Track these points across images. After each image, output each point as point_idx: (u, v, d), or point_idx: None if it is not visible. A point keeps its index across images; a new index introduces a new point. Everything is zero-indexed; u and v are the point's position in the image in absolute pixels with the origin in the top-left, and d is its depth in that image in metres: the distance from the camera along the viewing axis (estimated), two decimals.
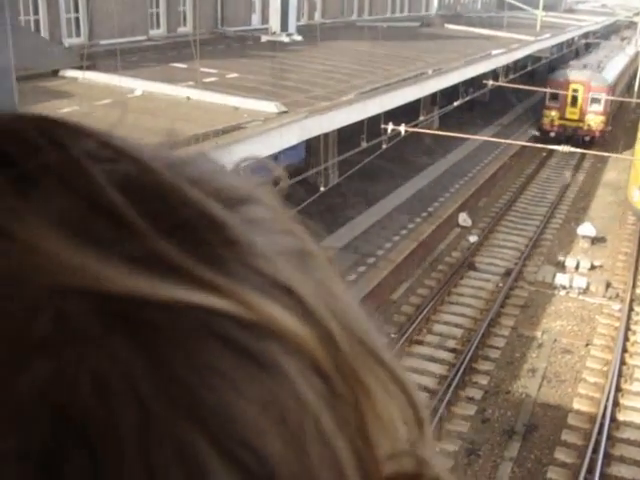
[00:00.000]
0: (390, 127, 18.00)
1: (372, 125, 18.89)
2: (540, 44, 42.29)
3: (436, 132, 19.23)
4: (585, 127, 38.77)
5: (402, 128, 18.03)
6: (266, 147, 14.74)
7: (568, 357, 20.21)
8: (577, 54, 58.87)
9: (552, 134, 38.19)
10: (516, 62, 39.72)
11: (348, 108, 17.93)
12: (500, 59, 32.07)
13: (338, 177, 25.25)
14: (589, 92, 38.10)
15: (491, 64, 30.49)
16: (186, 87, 17.16)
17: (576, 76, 39.04)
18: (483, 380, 19.00)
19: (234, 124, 14.49)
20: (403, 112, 21.50)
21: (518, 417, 17.50)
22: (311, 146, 17.35)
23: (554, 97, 38.58)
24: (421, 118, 20.76)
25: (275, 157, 15.65)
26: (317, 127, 16.35)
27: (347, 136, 18.91)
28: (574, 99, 38.72)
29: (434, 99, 34.20)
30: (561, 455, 16.15)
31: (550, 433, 16.94)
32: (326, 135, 25.19)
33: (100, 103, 15.56)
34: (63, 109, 14.48)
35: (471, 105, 38.33)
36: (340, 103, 17.82)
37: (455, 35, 38.87)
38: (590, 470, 15.38)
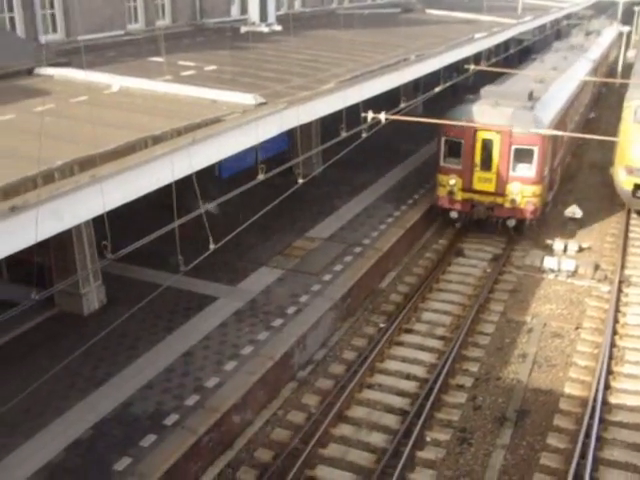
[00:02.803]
0: (370, 115, 17.79)
1: (354, 113, 18.67)
2: (521, 27, 41.60)
3: (414, 119, 18.95)
4: (507, 204, 25.48)
5: (382, 116, 17.81)
6: (245, 139, 14.55)
7: (558, 341, 20.13)
8: (558, 36, 58.54)
9: (453, 214, 26.56)
10: (498, 46, 38.87)
11: (328, 97, 17.71)
12: (482, 43, 31.66)
13: (322, 163, 25.22)
14: (510, 144, 24.82)
15: (473, 48, 30.15)
16: (163, 81, 16.89)
17: (488, 117, 25.21)
18: (473, 367, 18.90)
19: (212, 117, 14.25)
20: (385, 99, 21.29)
21: (509, 403, 17.41)
22: (294, 136, 17.12)
23: (453, 151, 25.98)
24: (402, 105, 20.51)
25: (259, 147, 15.45)
26: (296, 118, 16.11)
27: (332, 125, 18.69)
28: (486, 156, 25.42)
29: (417, 86, 34.03)
30: (553, 440, 16.05)
31: (542, 418, 16.85)
32: (309, 125, 24.99)
33: (76, 100, 15.30)
34: (38, 107, 14.21)
35: (454, 90, 38.19)
36: (320, 92, 17.59)
37: (436, 20, 38.59)
38: (583, 455, 15.29)
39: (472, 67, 27.61)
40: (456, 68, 29.97)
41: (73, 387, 16.19)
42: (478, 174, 25.67)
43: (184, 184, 12.63)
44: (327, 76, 19.49)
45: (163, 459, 14.05)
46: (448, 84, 25.71)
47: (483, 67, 28.88)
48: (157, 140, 12.58)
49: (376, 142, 23.28)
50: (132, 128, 13.02)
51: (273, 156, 17.31)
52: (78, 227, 18.02)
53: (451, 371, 18.49)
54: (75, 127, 13.00)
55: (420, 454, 15.71)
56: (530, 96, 26.78)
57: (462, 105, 26.39)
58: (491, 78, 31.40)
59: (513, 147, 24.86)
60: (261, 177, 13.95)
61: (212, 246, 12.05)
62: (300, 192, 17.88)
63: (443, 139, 26.12)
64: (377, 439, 16.18)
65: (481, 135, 25.32)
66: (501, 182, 25.33)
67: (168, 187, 12.28)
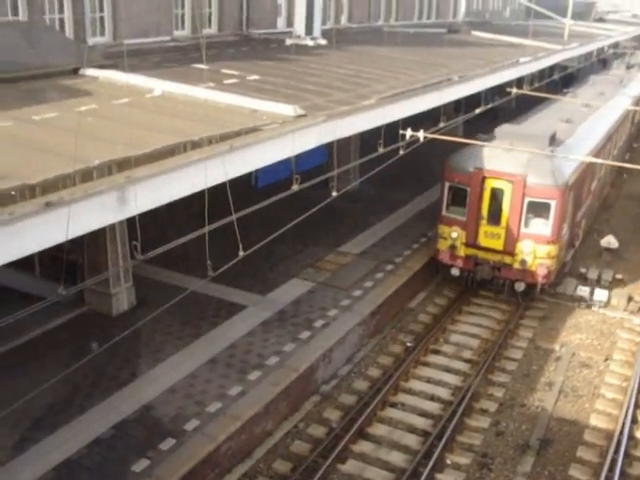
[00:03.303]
0: (409, 133, 17.74)
1: (393, 130, 18.66)
2: (567, 53, 41.33)
3: (453, 138, 18.85)
4: (516, 265, 22.20)
5: (421, 134, 17.76)
6: (282, 150, 14.59)
7: (586, 371, 19.85)
8: (604, 64, 57.94)
9: (454, 271, 23.28)
10: (542, 71, 38.61)
11: (367, 113, 17.69)
12: (526, 67, 31.49)
13: (359, 182, 25.15)
14: (524, 195, 21.68)
15: (516, 72, 30.00)
16: (206, 88, 17.02)
17: (500, 162, 22.10)
18: (498, 392, 18.70)
19: (251, 126, 14.32)
20: (424, 118, 21.26)
21: (533, 431, 17.19)
22: (333, 149, 17.15)
23: (458, 200, 22.93)
24: (441, 124, 20.45)
25: (296, 159, 15.47)
26: (334, 131, 16.12)
27: (371, 141, 18.70)
28: (494, 208, 22.28)
29: (458, 106, 33.92)
30: (576, 472, 15.80)
31: (565, 449, 16.61)
32: (348, 139, 25.03)
33: (118, 102, 15.47)
34: (80, 107, 14.40)
35: (496, 113, 38.02)
36: (360, 108, 17.61)
37: (481, 42, 38.49)
38: None
39: (514, 90, 27.28)
40: (498, 91, 29.83)
41: (97, 386, 16.30)
42: (485, 228, 22.40)
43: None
44: (368, 92, 19.50)
45: (181, 464, 14.06)
46: (489, 106, 25.56)
47: (525, 91, 28.66)
48: (195, 146, 12.65)
49: (414, 161, 23.25)
50: (171, 132, 13.13)
51: (310, 169, 17.33)
52: (112, 227, 18.20)
53: (476, 395, 18.31)
54: (115, 128, 13.13)
55: (439, 476, 15.56)
56: (552, 139, 23.68)
57: (471, 147, 22.83)
58: (534, 103, 31.18)
59: (526, 199, 21.64)
60: (295, 187, 13.96)
61: (241, 253, 12.06)
62: (335, 207, 17.93)
63: (447, 185, 23.07)
64: (397, 458, 16.05)
65: (490, 183, 22.10)
66: (510, 239, 21.98)
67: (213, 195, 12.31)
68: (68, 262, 15.77)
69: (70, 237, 9.60)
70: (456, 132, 26.53)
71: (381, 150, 17.34)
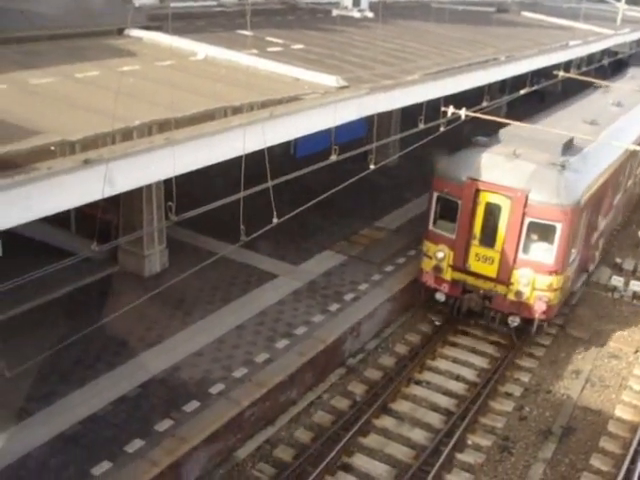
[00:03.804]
0: (450, 110, 17.48)
1: (435, 107, 18.47)
2: (618, 38, 40.40)
3: (495, 118, 18.50)
4: (510, 296, 18.84)
5: (463, 112, 17.51)
6: (322, 120, 14.53)
7: (615, 362, 19.66)
8: None
9: (439, 296, 19.94)
10: (591, 55, 37.82)
11: (410, 88, 17.55)
12: (575, 51, 30.90)
13: (398, 157, 24.98)
14: (524, 215, 18.26)
15: (565, 55, 29.47)
16: (249, 55, 16.97)
17: (499, 173, 18.66)
18: (524, 377, 18.61)
19: (293, 95, 14.27)
20: (468, 96, 21.00)
21: (556, 418, 17.09)
22: (373, 123, 17.04)
23: (447, 214, 19.54)
24: (484, 104, 20.14)
25: (337, 131, 15.39)
26: (375, 105, 16.02)
27: (412, 117, 18.52)
28: (489, 227, 18.93)
29: (502, 87, 33.50)
30: (597, 462, 15.71)
31: (588, 438, 16.51)
32: (389, 114, 24.87)
33: (161, 64, 15.50)
34: (123, 67, 14.44)
35: (542, 96, 37.50)
36: (403, 83, 17.45)
37: (530, 23, 37.83)
38: None
39: (561, 74, 26.68)
40: (545, 74, 29.38)
41: (126, 345, 16.50)
42: (476, 250, 18.99)
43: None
44: (412, 67, 19.33)
45: (204, 426, 14.21)
46: (534, 88, 25.13)
47: (572, 75, 28.14)
48: (236, 111, 12.66)
49: (454, 140, 23.04)
50: (213, 97, 13.13)
51: (350, 141, 17.23)
52: (149, 188, 18.31)
53: (501, 378, 18.24)
54: (157, 90, 13.16)
55: (459, 456, 15.57)
56: (567, 147, 20.03)
57: (466, 150, 19.87)
58: (582, 87, 30.64)
59: (527, 220, 18.18)
60: (334, 158, 13.90)
61: (275, 220, 12.06)
62: (373, 182, 17.87)
63: (435, 195, 19.57)
64: (418, 435, 16.08)
65: (485, 197, 18.63)
66: (506, 265, 18.60)
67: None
68: (103, 221, 15.92)
69: (106, 195, 9.68)
70: (499, 113, 26.14)
71: (422, 126, 17.18)
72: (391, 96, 16.79)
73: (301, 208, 13.11)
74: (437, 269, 19.53)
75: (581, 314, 22.07)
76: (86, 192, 9.66)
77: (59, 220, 18.30)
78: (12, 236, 16.39)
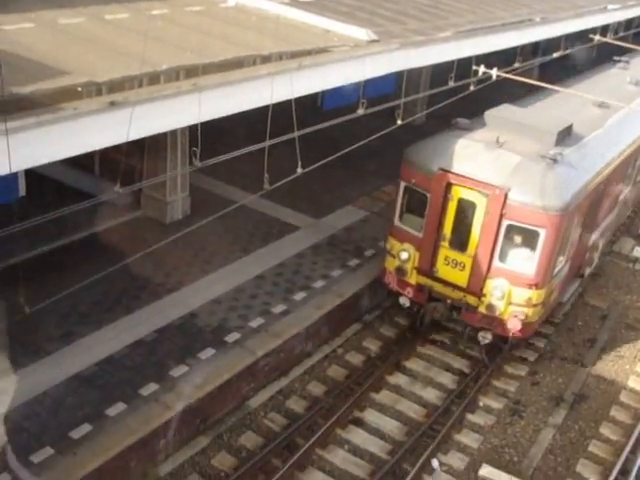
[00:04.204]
0: (482, 69, 17.15)
1: (466, 66, 18.20)
2: None
3: (527, 80, 18.05)
4: (482, 309, 16.18)
5: (494, 72, 17.19)
6: (351, 74, 14.37)
7: (632, 333, 19.56)
8: None
9: (403, 301, 17.27)
10: (630, 20, 36.80)
11: (442, 45, 17.26)
12: (613, 15, 30.21)
13: (425, 116, 24.71)
14: (502, 216, 15.48)
15: (602, 19, 28.83)
16: (280, 4, 16.76)
17: (477, 164, 15.86)
18: (539, 342, 18.58)
19: (322, 46, 14.12)
20: (500, 56, 20.65)
21: (569, 385, 17.09)
22: (402, 79, 16.83)
23: (414, 208, 16.94)
24: (516, 65, 19.75)
25: (365, 85, 15.24)
26: (406, 60, 15.79)
27: (441, 76, 18.26)
28: (461, 228, 16.20)
29: (535, 48, 32.89)
30: (606, 430, 15.73)
31: (599, 406, 16.52)
32: (419, 71, 24.55)
33: (191, 9, 15.34)
34: (153, 11, 14.31)
35: (575, 61, 36.80)
36: (435, 39, 17.19)
37: None
38: (634, 450, 14.98)
39: (597, 37, 25.99)
40: (580, 37, 28.80)
41: (144, 289, 16.63)
42: (445, 252, 16.33)
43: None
44: (445, 24, 19.00)
45: (218, 374, 14.35)
46: (569, 51, 24.64)
47: (608, 39, 27.51)
48: (264, 60, 12.56)
49: (485, 100, 22.69)
50: (241, 44, 13.02)
51: (378, 97, 17.03)
52: (174, 134, 18.27)
53: (516, 343, 18.22)
54: (185, 35, 13.07)
55: (470, 417, 15.66)
56: (563, 135, 17.29)
57: (442, 135, 17.18)
58: (617, 53, 30.01)
59: (505, 222, 15.40)
60: (360, 112, 13.76)
61: (299, 170, 12.01)
62: (400, 139, 17.70)
63: (402, 185, 17.02)
64: (430, 395, 16.17)
65: (458, 193, 15.89)
66: (478, 273, 15.92)
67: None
68: (127, 166, 15.92)
69: (131, 138, 9.65)
70: (530, 75, 25.70)
71: (451, 84, 16.92)
72: (422, 52, 16.55)
73: (326, 160, 13.03)
74: (400, 271, 16.87)
75: (601, 284, 21.93)
76: (111, 135, 9.64)
77: (83, 163, 18.40)
78: (36, 177, 16.55)
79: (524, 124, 17.05)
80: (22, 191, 16.88)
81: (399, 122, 14.98)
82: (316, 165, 12.63)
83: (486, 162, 15.76)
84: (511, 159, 15.77)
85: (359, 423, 15.07)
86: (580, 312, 20.25)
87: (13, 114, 8.25)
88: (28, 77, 9.36)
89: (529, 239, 15.55)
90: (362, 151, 14.48)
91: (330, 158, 13.16)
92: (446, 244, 16.29)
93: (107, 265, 11.21)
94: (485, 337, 16.49)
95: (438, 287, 16.55)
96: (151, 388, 13.73)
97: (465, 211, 15.95)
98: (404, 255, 16.69)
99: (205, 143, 11.02)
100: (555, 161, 15.92)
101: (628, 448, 14.97)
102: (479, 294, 16.04)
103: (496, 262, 15.81)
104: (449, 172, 15.84)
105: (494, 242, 15.64)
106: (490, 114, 17.58)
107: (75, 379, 13.68)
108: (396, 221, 17.18)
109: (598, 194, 18.10)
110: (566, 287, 18.45)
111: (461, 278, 16.23)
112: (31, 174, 15.69)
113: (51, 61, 10.24)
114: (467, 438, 15.08)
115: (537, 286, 15.73)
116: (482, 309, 16.08)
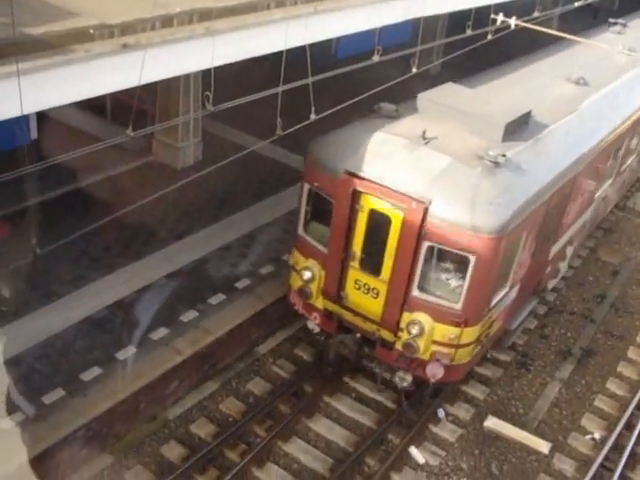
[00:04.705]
0: (500, 18, 16.76)
1: (486, 17, 17.85)
2: None
3: (545, 30, 17.50)
4: (398, 346, 12.76)
5: (512, 21, 16.80)
6: (366, 20, 14.12)
7: None
8: None
9: (311, 325, 14.16)
10: None
11: None
12: None
13: (441, 65, 24.34)
14: (420, 236, 11.94)
15: None
16: None
17: (395, 168, 12.22)
18: (549, 296, 18.56)
19: None
20: (518, 6, 20.23)
21: (577, 340, 17.12)
22: (419, 28, 16.55)
23: (320, 216, 13.57)
24: (535, 14, 19.31)
25: (380, 33, 14.99)
26: (423, 7, 15.48)
27: (459, 27, 17.91)
28: (373, 247, 12.73)
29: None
30: (613, 386, 15.80)
31: (606, 362, 16.55)
32: (435, 20, 24.13)
33: None
34: None
35: (596, 12, 36.14)
36: None
37: None
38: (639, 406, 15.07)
39: None
40: None
41: (154, 235, 16.64)
42: (355, 275, 13.03)
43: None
44: None
45: (228, 319, 14.44)
46: (589, 1, 24.08)
47: None
48: (279, 4, 12.32)
49: (503, 51, 22.29)
50: None
51: (393, 45, 16.74)
52: (187, 78, 18.09)
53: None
54: None
55: (478, 369, 15.71)
56: (515, 126, 13.67)
57: (355, 125, 13.62)
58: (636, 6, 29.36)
59: (424, 244, 12.01)
60: (376, 59, 13.49)
61: (313, 116, 11.87)
62: (416, 89, 17.43)
63: (305, 188, 13.62)
64: None
65: (368, 203, 12.49)
66: (393, 303, 12.65)
67: None
68: (139, 111, 15.78)
69: (144, 82, 9.55)
70: (549, 25, 25.18)
71: (468, 32, 16.59)
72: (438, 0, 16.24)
73: (340, 106, 12.85)
74: (303, 293, 13.58)
75: (614, 239, 21.81)
76: (123, 78, 9.54)
77: (95, 107, 18.26)
78: (47, 121, 16.44)
79: (465, 112, 13.46)
80: (34, 134, 16.80)
81: (414, 70, 14.74)
82: (330, 111, 12.47)
83: (405, 164, 12.24)
84: (437, 161, 12.23)
85: (365, 374, 15.12)
86: (591, 267, 20.20)
87: (25, 55, 8.15)
88: (39, 18, 9.23)
89: (456, 265, 12.25)
90: (377, 100, 14.27)
91: (344, 104, 12.97)
92: (356, 264, 12.91)
93: (118, 210, 11.19)
94: (403, 379, 13.24)
95: (348, 316, 13.31)
96: (161, 333, 13.89)
97: (379, 225, 12.40)
98: (307, 274, 13.37)
99: (218, 87, 10.91)
100: (496, 164, 12.40)
101: (634, 403, 15.05)
102: (394, 329, 12.75)
103: (415, 292, 12.41)
104: (356, 176, 12.35)
105: (411, 267, 12.22)
106: (424, 97, 14.10)
107: (86, 322, 13.81)
108: (300, 230, 13.92)
109: (562, 198, 14.64)
110: (516, 312, 14.97)
111: (374, 307, 12.89)
112: (43, 118, 15.59)
113: (63, 2, 10.08)
114: (474, 389, 15.17)
115: (467, 323, 12.39)
116: (398, 346, 12.76)
